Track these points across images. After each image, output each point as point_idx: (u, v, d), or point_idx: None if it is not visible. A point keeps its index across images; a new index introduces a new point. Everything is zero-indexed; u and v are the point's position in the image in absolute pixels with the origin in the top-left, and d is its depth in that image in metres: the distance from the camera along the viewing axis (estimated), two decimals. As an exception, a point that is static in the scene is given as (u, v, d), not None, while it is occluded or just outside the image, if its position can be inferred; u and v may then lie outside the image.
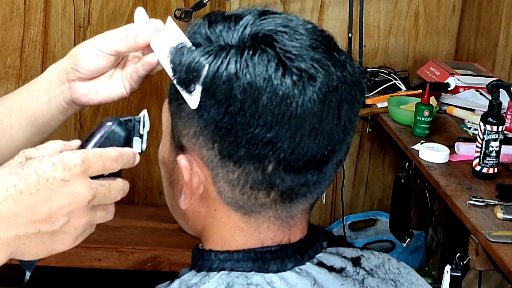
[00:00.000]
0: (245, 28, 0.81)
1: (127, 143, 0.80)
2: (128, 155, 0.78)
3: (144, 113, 0.81)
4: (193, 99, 0.79)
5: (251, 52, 0.78)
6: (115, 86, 1.02)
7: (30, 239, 0.73)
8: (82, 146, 0.78)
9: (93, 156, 0.74)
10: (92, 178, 0.75)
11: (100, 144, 0.78)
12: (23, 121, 1.06)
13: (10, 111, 1.06)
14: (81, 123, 3.03)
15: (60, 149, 0.76)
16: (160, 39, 0.93)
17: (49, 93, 1.04)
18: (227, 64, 0.78)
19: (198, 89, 0.79)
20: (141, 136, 0.81)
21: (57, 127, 1.08)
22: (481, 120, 2.00)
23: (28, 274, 0.80)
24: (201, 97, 0.80)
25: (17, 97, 1.07)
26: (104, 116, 3.01)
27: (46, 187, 0.72)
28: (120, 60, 1.02)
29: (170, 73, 0.82)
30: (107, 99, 1.03)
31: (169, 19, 0.93)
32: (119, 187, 0.77)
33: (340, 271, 0.88)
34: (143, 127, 0.81)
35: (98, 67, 1.00)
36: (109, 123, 0.79)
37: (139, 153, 0.80)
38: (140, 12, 0.98)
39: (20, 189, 0.72)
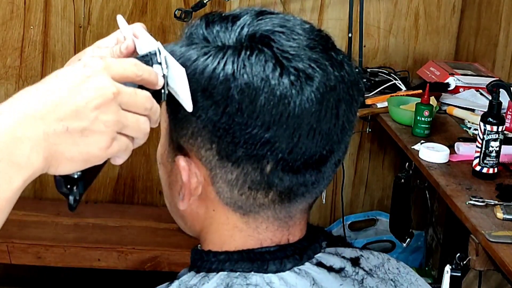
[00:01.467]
0: (242, 28, 0.81)
1: None
2: (148, 69, 0.77)
3: (157, 44, 0.80)
4: (187, 102, 0.79)
5: (248, 53, 0.78)
6: None
7: (60, 139, 0.70)
8: None
9: (112, 59, 0.75)
10: None
11: None
12: None
13: None
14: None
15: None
16: (139, 45, 0.92)
17: None
18: (224, 65, 0.78)
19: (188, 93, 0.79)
20: (159, 64, 0.79)
21: None
22: (481, 120, 2.00)
23: (71, 198, 0.76)
24: (198, 98, 0.80)
25: None
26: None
27: (69, 84, 0.71)
28: None
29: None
30: None
31: (119, 17, 0.90)
32: (146, 94, 0.75)
33: (339, 271, 0.88)
34: (159, 54, 0.79)
35: None
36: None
37: (163, 76, 0.79)
38: (119, 20, 0.96)
39: (44, 88, 0.71)
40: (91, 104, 0.70)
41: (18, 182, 0.69)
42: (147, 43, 0.83)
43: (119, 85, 0.72)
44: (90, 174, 0.76)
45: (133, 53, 0.91)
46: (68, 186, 0.76)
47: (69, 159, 0.71)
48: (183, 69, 0.78)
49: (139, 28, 0.88)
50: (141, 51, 0.87)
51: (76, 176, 0.75)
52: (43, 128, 0.69)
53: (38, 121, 0.69)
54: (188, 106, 0.79)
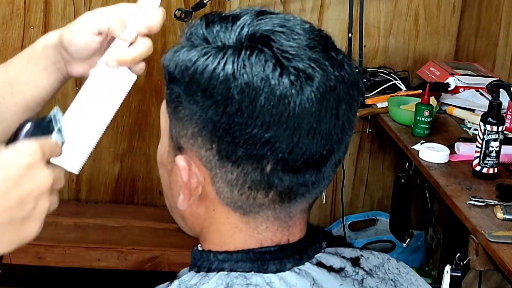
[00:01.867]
0: (242, 28, 0.81)
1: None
2: (56, 144, 0.83)
3: (55, 110, 0.86)
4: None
5: (248, 52, 0.78)
6: None
7: (4, 228, 0.75)
8: (7, 145, 0.82)
9: (43, 142, 0.79)
10: None
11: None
12: (22, 97, 1.06)
13: (11, 88, 1.06)
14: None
15: None
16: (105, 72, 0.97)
17: (47, 69, 1.04)
18: (224, 65, 0.78)
19: None
20: (59, 130, 0.86)
21: (54, 94, 1.09)
22: (481, 120, 2.00)
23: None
24: (199, 98, 0.80)
25: (14, 73, 1.06)
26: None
27: (14, 175, 0.75)
28: (109, 39, 1.00)
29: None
30: None
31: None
32: (62, 173, 0.82)
33: (339, 271, 0.88)
34: (57, 122, 0.86)
35: (90, 48, 0.99)
36: (29, 124, 0.84)
37: (62, 143, 0.86)
38: None
39: None
40: (33, 194, 0.76)
41: None
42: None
43: (53, 172, 0.78)
44: None
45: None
46: None
47: (6, 244, 0.77)
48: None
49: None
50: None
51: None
52: None
53: None
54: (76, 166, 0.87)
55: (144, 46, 0.96)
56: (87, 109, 0.91)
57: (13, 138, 0.83)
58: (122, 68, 0.95)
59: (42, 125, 0.85)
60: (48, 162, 0.80)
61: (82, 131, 0.89)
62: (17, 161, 0.76)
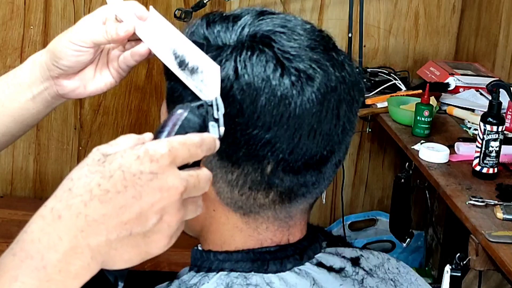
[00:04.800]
0: (243, 28, 0.81)
1: (203, 129, 0.73)
2: (210, 141, 0.70)
3: (216, 95, 0.75)
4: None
5: (249, 53, 0.78)
6: (102, 77, 0.97)
7: (122, 243, 0.65)
8: (156, 138, 0.70)
9: (177, 144, 0.67)
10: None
11: (175, 134, 0.70)
12: (6, 118, 1.00)
13: None
14: (81, 123, 3.02)
15: (135, 143, 0.69)
16: (146, 27, 0.88)
17: (32, 89, 0.99)
18: (225, 65, 0.78)
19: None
20: (216, 121, 0.74)
21: (41, 119, 1.03)
22: (481, 120, 2.00)
23: (121, 285, 0.69)
24: (199, 98, 0.79)
25: None
26: (104, 115, 3.01)
27: (134, 183, 0.64)
28: (102, 49, 0.96)
29: (172, 64, 0.80)
30: (96, 91, 0.98)
31: (152, 9, 0.88)
32: (207, 176, 0.69)
33: (339, 271, 0.88)
34: (217, 110, 0.74)
35: (79, 62, 0.94)
36: (180, 111, 0.72)
37: (218, 138, 0.73)
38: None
39: (105, 188, 0.64)
40: (156, 207, 0.65)
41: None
42: (161, 26, 0.80)
43: (184, 179, 0.67)
44: None
45: (133, 35, 0.90)
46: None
47: (127, 260, 0.67)
48: (218, 68, 0.74)
49: (140, 8, 0.87)
50: (147, 35, 0.83)
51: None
52: (105, 234, 0.64)
53: (100, 226, 0.64)
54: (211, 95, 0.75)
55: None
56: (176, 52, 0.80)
57: (161, 126, 0.71)
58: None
59: (197, 112, 0.72)
60: (182, 166, 0.67)
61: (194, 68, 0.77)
62: (139, 167, 0.65)
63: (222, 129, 0.74)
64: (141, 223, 0.65)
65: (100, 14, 0.93)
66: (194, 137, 0.69)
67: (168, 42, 0.81)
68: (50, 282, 0.63)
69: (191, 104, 0.73)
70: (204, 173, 0.69)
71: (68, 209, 0.64)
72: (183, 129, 0.71)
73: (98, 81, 0.98)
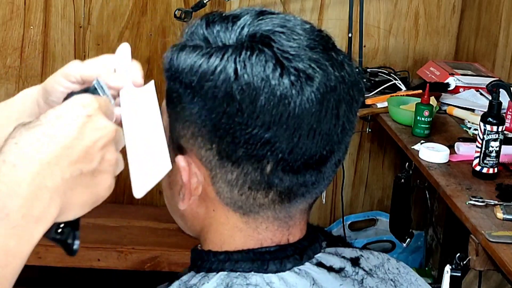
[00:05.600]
0: (242, 28, 0.81)
1: None
2: (108, 100, 0.78)
3: (96, 80, 0.81)
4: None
5: (248, 53, 0.78)
6: None
7: (75, 183, 0.70)
8: None
9: (96, 96, 0.74)
10: None
11: None
12: None
13: None
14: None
15: None
16: (132, 96, 0.85)
17: (19, 122, 0.97)
18: (225, 65, 0.78)
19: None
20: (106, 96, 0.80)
21: None
22: (481, 120, 2.00)
23: (77, 243, 0.77)
24: (199, 98, 0.80)
25: None
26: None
27: (75, 126, 0.70)
28: None
29: (130, 143, 0.78)
30: None
31: (151, 83, 0.86)
32: (121, 132, 0.76)
33: (339, 271, 0.88)
34: (102, 90, 0.80)
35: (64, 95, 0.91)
36: (74, 95, 0.78)
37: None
38: (124, 48, 0.87)
39: (51, 134, 0.69)
40: (98, 145, 0.71)
41: (38, 236, 0.68)
42: (144, 109, 0.82)
43: (113, 123, 0.74)
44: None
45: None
46: (60, 231, 0.75)
47: (81, 203, 0.72)
48: None
49: (138, 75, 0.85)
50: (126, 106, 0.82)
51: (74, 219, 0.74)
52: (60, 174, 0.68)
53: (54, 167, 0.68)
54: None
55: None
56: (140, 134, 0.82)
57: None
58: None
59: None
60: None
61: (145, 156, 0.80)
62: (75, 112, 0.71)
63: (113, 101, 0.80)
64: (88, 161, 0.70)
65: (101, 59, 0.92)
66: (102, 97, 0.77)
67: (141, 124, 0.81)
68: (15, 228, 0.66)
69: (78, 91, 0.81)
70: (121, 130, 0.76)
71: (21, 157, 0.67)
72: None
73: None
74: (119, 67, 0.86)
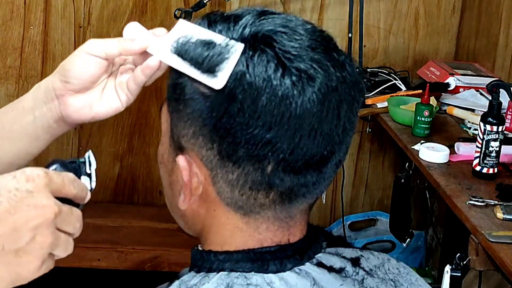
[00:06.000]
0: (244, 28, 0.81)
1: None
2: (82, 186, 0.76)
3: (88, 153, 0.79)
4: (219, 80, 0.77)
5: (250, 53, 0.78)
6: (109, 99, 0.95)
7: None
8: None
9: (52, 172, 0.72)
10: None
11: None
12: (5, 141, 0.99)
13: None
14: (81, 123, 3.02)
15: None
16: (160, 43, 0.88)
17: (34, 112, 0.97)
18: None
19: (224, 68, 0.78)
20: (89, 175, 0.79)
21: (42, 149, 1.01)
22: (481, 120, 2.00)
23: None
24: (200, 97, 0.80)
25: (1, 115, 0.99)
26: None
27: (9, 198, 0.67)
28: (111, 69, 0.95)
29: (186, 68, 0.80)
30: (101, 114, 0.96)
31: (181, 21, 0.87)
32: (78, 214, 0.74)
33: (340, 271, 0.88)
34: (89, 166, 0.79)
35: (88, 73, 0.92)
36: (54, 166, 0.76)
37: (90, 190, 0.79)
38: (134, 26, 0.91)
39: None
40: (30, 224, 0.68)
41: None
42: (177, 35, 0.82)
43: (59, 203, 0.70)
44: None
45: (142, 56, 0.91)
46: None
47: None
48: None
49: (160, 30, 0.87)
50: (159, 49, 0.85)
51: None
52: None
53: None
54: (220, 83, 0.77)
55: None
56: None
57: None
58: None
59: (70, 167, 0.77)
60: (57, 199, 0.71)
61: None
62: (17, 185, 0.68)
63: (94, 184, 0.79)
64: (14, 239, 0.67)
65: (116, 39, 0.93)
66: (68, 174, 0.74)
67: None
68: None
69: (63, 160, 0.77)
70: (76, 210, 0.73)
71: None
72: None
73: (104, 103, 0.95)
74: (137, 37, 0.88)
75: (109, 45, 0.91)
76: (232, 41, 0.79)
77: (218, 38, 0.80)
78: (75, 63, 0.93)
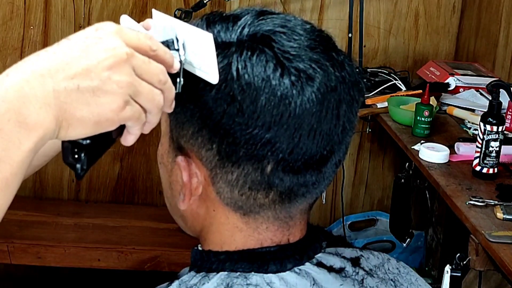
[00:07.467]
0: (243, 28, 0.81)
1: None
2: (164, 48, 0.74)
3: (175, 31, 0.78)
4: (213, 74, 0.77)
5: (249, 53, 0.78)
6: None
7: (70, 97, 0.67)
8: None
9: (124, 28, 0.71)
10: None
11: None
12: None
13: None
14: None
15: None
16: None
17: None
18: (226, 65, 0.78)
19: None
20: (177, 50, 0.77)
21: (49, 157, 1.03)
22: (481, 120, 2.00)
23: (83, 161, 0.71)
24: (199, 98, 0.80)
25: None
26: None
27: (81, 45, 0.68)
28: None
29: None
30: None
31: (154, 11, 0.86)
32: (160, 66, 0.72)
33: (340, 271, 0.88)
34: (177, 41, 0.77)
35: None
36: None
37: (180, 62, 0.77)
38: (125, 19, 0.88)
39: (53, 50, 0.68)
40: (104, 64, 0.68)
41: (29, 144, 0.66)
42: (163, 30, 0.80)
43: (131, 48, 0.70)
44: (98, 146, 0.73)
45: None
46: (76, 156, 0.72)
47: (80, 119, 0.68)
48: (210, 36, 0.75)
49: (147, 22, 0.85)
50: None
51: (84, 143, 0.71)
52: (52, 85, 0.66)
53: (47, 79, 0.66)
54: (214, 77, 0.76)
55: None
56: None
57: None
58: None
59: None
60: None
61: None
62: (85, 34, 0.69)
63: (183, 56, 0.77)
64: (88, 78, 0.67)
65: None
66: (142, 32, 0.74)
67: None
68: (1, 131, 0.65)
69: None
70: (157, 64, 0.72)
71: (16, 68, 0.67)
72: None
73: None
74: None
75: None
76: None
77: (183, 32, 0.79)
78: None
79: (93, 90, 0.68)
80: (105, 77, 0.68)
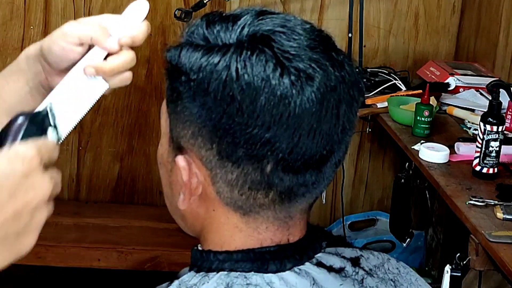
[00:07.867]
0: (243, 28, 0.81)
1: (44, 133, 0.81)
2: (54, 146, 0.78)
3: (49, 105, 0.81)
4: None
5: (249, 53, 0.78)
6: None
7: None
8: (1, 142, 0.76)
9: (40, 145, 0.74)
10: None
11: (21, 138, 0.77)
12: (3, 112, 0.98)
13: None
14: (81, 123, 3.02)
15: None
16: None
17: (29, 83, 0.98)
18: (225, 65, 0.78)
19: None
20: (54, 128, 0.81)
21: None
22: (481, 120, 2.00)
23: None
24: (199, 98, 0.80)
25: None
26: (104, 116, 3.02)
27: (9, 183, 0.69)
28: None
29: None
30: None
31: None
32: (60, 177, 0.76)
33: (339, 271, 0.88)
34: (53, 118, 0.81)
35: (67, 59, 0.92)
36: (19, 120, 0.77)
37: (59, 141, 0.82)
38: (139, 5, 0.92)
39: None
40: (31, 205, 0.70)
41: None
42: None
43: (52, 178, 0.73)
44: None
45: None
46: None
47: (1, 262, 0.70)
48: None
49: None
50: None
51: None
52: None
53: None
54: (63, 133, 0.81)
55: (126, 57, 0.90)
56: (57, 109, 0.85)
57: (3, 133, 0.76)
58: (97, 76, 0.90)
59: (36, 120, 0.78)
60: (45, 167, 0.73)
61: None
62: (12, 169, 0.69)
63: (62, 134, 0.82)
64: (16, 223, 0.69)
65: (99, 18, 0.94)
66: (48, 142, 0.77)
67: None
68: None
69: (28, 113, 0.79)
70: (57, 171, 0.75)
71: None
72: (26, 137, 0.77)
73: None
74: (127, 24, 0.90)
75: (84, 31, 0.91)
76: None
77: None
78: (55, 49, 0.93)
79: (17, 234, 0.70)
80: (29, 219, 0.70)
